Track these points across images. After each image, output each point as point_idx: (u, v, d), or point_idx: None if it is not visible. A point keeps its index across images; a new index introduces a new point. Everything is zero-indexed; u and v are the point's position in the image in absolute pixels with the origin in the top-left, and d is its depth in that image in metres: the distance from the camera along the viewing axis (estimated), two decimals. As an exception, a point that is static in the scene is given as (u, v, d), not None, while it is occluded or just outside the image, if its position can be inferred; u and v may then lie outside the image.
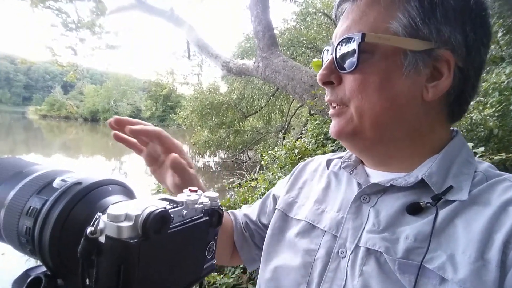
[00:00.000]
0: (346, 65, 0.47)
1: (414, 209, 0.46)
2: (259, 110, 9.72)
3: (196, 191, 0.33)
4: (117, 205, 0.25)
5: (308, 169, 0.69)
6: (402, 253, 0.43)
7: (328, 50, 0.53)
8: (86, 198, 0.29)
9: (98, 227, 0.24)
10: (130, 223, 0.24)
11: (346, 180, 0.58)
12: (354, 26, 0.48)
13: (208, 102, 9.54)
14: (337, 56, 0.48)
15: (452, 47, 0.46)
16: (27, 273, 0.27)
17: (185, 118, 10.71)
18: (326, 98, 0.53)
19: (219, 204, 0.34)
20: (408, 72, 0.46)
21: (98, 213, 0.25)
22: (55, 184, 0.30)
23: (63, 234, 0.27)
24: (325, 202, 0.58)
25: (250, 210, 0.75)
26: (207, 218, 0.32)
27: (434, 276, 0.41)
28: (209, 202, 0.32)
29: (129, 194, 0.35)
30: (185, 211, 0.29)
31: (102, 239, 0.24)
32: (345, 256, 0.48)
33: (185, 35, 4.42)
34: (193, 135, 11.05)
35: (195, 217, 0.30)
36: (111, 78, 42.75)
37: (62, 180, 0.30)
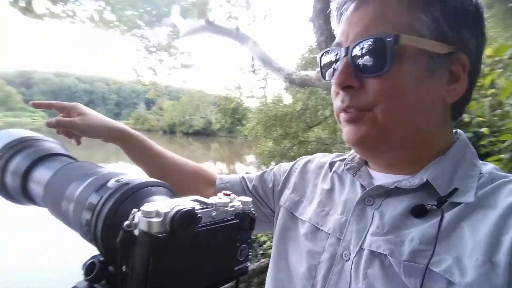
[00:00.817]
0: (370, 67, 0.45)
1: (419, 212, 0.45)
2: (324, 121, 9.50)
3: (229, 194, 0.33)
4: (151, 203, 0.27)
5: (310, 169, 0.68)
6: (407, 255, 0.42)
7: (333, 51, 0.51)
8: (132, 197, 0.33)
9: (134, 221, 0.27)
10: (160, 219, 0.26)
11: (349, 182, 0.57)
12: (373, 26, 0.45)
13: (272, 113, 9.71)
14: (357, 58, 0.45)
15: (469, 52, 0.46)
16: (93, 258, 0.31)
17: (250, 130, 11.04)
18: (343, 104, 0.49)
19: (252, 208, 0.34)
20: (433, 76, 0.45)
21: (134, 209, 0.27)
22: (110, 184, 0.34)
23: (111, 227, 0.29)
24: (329, 204, 0.57)
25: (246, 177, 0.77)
26: (238, 221, 0.32)
27: (441, 280, 0.40)
28: (241, 206, 0.33)
29: (170, 194, 0.37)
30: (215, 213, 0.30)
31: (136, 232, 0.26)
32: (349, 259, 0.48)
33: (250, 51, 4.63)
34: (258, 145, 11.31)
35: (225, 219, 0.31)
36: (186, 94, 46.77)
37: (116, 180, 0.34)
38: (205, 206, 0.30)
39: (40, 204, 0.43)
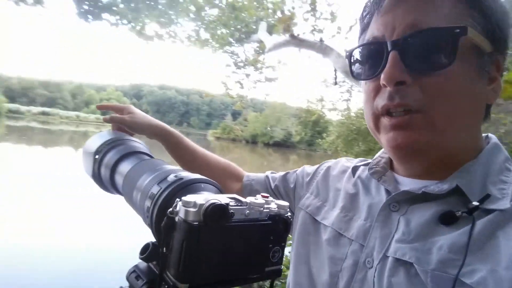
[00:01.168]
0: (429, 62, 0.41)
1: (448, 219, 0.42)
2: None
3: (267, 197, 0.35)
4: (192, 195, 0.30)
5: (333, 173, 0.66)
6: (435, 264, 0.39)
7: (373, 45, 0.46)
8: (184, 190, 0.37)
9: (175, 209, 0.30)
10: (195, 209, 0.29)
11: (374, 187, 0.55)
12: (426, 18, 0.41)
13: (355, 127, 9.24)
14: (411, 52, 0.41)
15: (504, 52, 0.44)
16: (149, 241, 0.35)
17: (330, 143, 10.72)
18: (391, 102, 0.43)
19: (288, 213, 0.35)
20: (481, 75, 0.41)
21: (177, 199, 0.31)
22: (169, 178, 0.39)
23: (163, 214, 0.32)
24: (353, 209, 0.55)
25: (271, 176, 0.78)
26: (271, 222, 0.33)
27: None
28: (277, 209, 0.34)
29: (216, 191, 0.41)
30: (248, 211, 0.32)
31: (176, 219, 0.30)
32: (372, 267, 0.45)
33: (333, 63, 4.55)
34: (338, 160, 10.87)
35: (258, 219, 0.33)
36: (269, 106, 48.50)
37: (174, 175, 0.39)
38: (239, 204, 0.32)
39: (121, 193, 0.50)
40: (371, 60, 0.47)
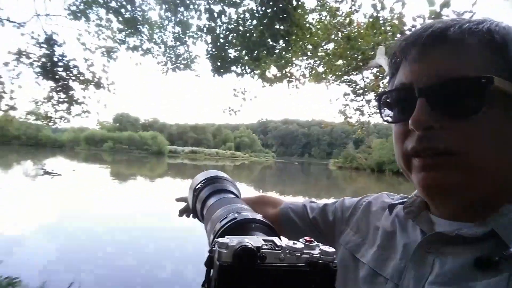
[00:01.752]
0: (457, 109, 0.42)
1: (484, 264, 0.40)
2: None
3: (311, 241, 0.34)
4: (229, 237, 0.32)
5: (373, 209, 0.65)
6: None
7: (402, 91, 0.48)
8: (234, 230, 0.41)
9: (213, 248, 0.32)
10: (227, 251, 0.31)
11: (410, 227, 0.54)
12: (451, 68, 0.42)
13: None
14: (439, 98, 0.43)
15: None
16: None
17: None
18: (419, 145, 0.44)
19: (333, 260, 0.33)
20: (510, 117, 0.40)
21: (215, 239, 0.33)
22: (228, 216, 0.44)
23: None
24: (390, 248, 0.54)
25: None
26: (309, 269, 0.32)
27: None
28: (319, 255, 0.32)
29: (266, 231, 0.42)
30: (283, 256, 0.32)
31: (214, 258, 0.32)
32: None
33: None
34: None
35: (294, 264, 0.32)
36: (396, 131, 43.98)
37: (233, 214, 0.44)
38: (274, 248, 0.32)
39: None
40: (400, 105, 0.49)
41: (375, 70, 7.39)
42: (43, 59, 5.09)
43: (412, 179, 0.49)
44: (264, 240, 0.34)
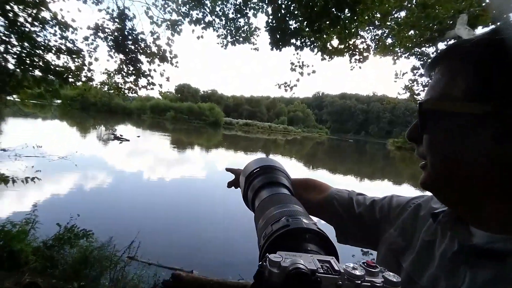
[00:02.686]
0: (428, 126, 0.50)
1: None
2: None
3: (374, 266, 0.31)
4: (282, 254, 0.31)
5: (420, 214, 0.64)
6: None
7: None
8: (286, 236, 0.39)
9: (265, 264, 0.30)
10: (278, 272, 0.29)
11: (450, 236, 0.53)
12: (439, 91, 0.49)
13: None
14: (424, 116, 0.50)
15: None
16: None
17: None
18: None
19: None
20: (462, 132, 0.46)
21: (267, 255, 0.31)
22: (281, 221, 0.42)
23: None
24: (428, 256, 0.55)
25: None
26: None
27: None
28: (381, 284, 0.30)
29: (321, 244, 0.39)
30: (340, 282, 0.29)
31: (266, 272, 0.30)
32: None
33: None
34: None
35: None
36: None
37: (286, 219, 0.42)
38: (331, 272, 0.30)
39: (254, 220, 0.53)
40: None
41: (452, 41, 6.53)
42: (116, 33, 5.48)
43: None
44: (320, 261, 0.31)
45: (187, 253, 5.67)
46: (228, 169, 1.01)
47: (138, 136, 26.54)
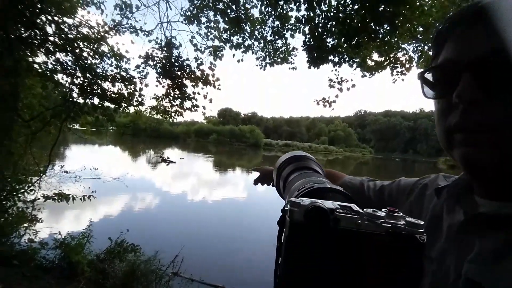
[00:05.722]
0: (501, 83, 0.41)
1: None
2: None
3: (395, 211, 0.31)
4: (302, 198, 0.32)
5: (427, 193, 0.64)
6: None
7: (446, 67, 0.48)
8: (310, 194, 0.41)
9: (286, 208, 0.32)
10: (298, 210, 0.30)
11: (456, 209, 0.53)
12: (499, 41, 0.39)
13: None
14: (485, 73, 0.42)
15: None
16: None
17: None
18: (463, 120, 0.44)
19: (421, 233, 0.30)
20: None
21: (289, 199, 0.33)
22: (306, 186, 0.44)
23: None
24: (436, 231, 0.55)
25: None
26: (389, 239, 0.29)
27: None
28: (403, 226, 0.30)
29: (344, 200, 0.40)
30: (359, 221, 0.30)
31: (286, 217, 0.32)
32: (447, 286, 0.46)
33: None
34: None
35: (372, 232, 0.30)
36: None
37: (311, 184, 0.44)
38: (349, 212, 0.31)
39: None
40: (444, 80, 0.48)
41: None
42: (164, 61, 5.96)
43: (454, 156, 0.48)
44: (340, 205, 0.32)
45: (228, 269, 5.69)
46: (254, 169, 1.11)
47: (181, 158, 27.81)
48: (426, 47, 6.73)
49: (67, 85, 5.54)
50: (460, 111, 0.44)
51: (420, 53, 6.20)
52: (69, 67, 5.57)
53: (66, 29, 5.37)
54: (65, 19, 5.33)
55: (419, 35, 6.18)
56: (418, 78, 0.54)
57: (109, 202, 9.60)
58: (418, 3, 4.23)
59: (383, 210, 0.32)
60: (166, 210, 10.01)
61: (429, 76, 0.52)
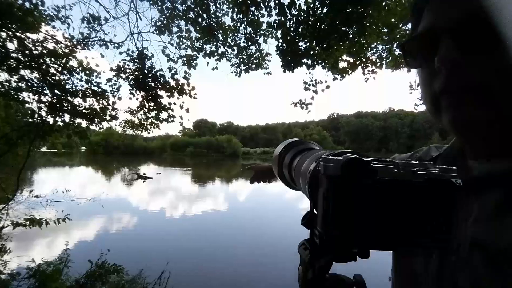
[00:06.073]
0: (480, 45, 0.42)
1: None
2: None
3: (427, 161, 0.33)
4: (335, 155, 0.32)
5: None
6: (508, 245, 0.39)
7: (429, 32, 0.48)
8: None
9: (317, 167, 0.33)
10: (333, 164, 0.30)
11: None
12: (478, 5, 0.40)
13: None
14: (465, 36, 0.43)
15: None
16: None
17: None
18: (447, 83, 0.45)
19: (455, 177, 0.30)
20: None
21: (323, 156, 0.33)
22: (324, 155, 0.41)
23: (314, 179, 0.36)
24: None
25: None
26: (427, 185, 0.30)
27: None
28: (438, 172, 0.30)
29: None
30: (396, 170, 0.30)
31: (319, 176, 0.32)
32: (451, 251, 0.47)
33: None
34: None
35: (410, 180, 0.30)
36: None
37: (330, 152, 0.43)
38: (385, 163, 0.31)
39: (297, 186, 0.53)
40: (425, 48, 0.48)
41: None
42: (136, 73, 5.82)
43: (442, 121, 0.48)
44: (372, 159, 0.31)
45: (217, 281, 5.54)
46: (248, 167, 1.13)
47: (159, 173, 27.13)
48: (392, 48, 7.04)
49: (35, 103, 5.27)
50: (444, 75, 0.45)
51: (388, 52, 6.49)
52: (35, 85, 5.31)
53: (30, 45, 5.13)
54: (28, 34, 5.10)
55: (384, 36, 6.48)
56: (400, 50, 0.56)
57: (86, 224, 9.11)
58: (383, 3, 4.43)
59: (414, 161, 0.33)
60: (147, 227, 9.65)
61: (410, 46, 0.53)
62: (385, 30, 6.09)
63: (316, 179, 0.32)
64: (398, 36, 6.61)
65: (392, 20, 5.37)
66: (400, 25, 6.55)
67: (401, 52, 0.56)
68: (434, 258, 0.50)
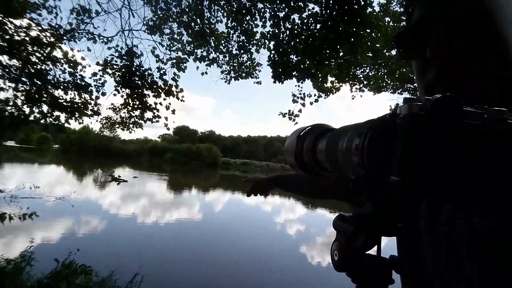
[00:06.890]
0: (470, 38, 0.45)
1: None
2: None
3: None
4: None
5: None
6: None
7: (420, 24, 0.50)
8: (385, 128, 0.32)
9: (396, 112, 0.28)
10: (421, 103, 0.26)
11: None
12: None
13: None
14: (456, 28, 0.45)
15: None
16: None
17: None
18: (440, 74, 0.46)
19: None
20: None
21: (397, 103, 0.35)
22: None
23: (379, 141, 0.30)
24: None
25: None
26: None
27: None
28: None
29: None
30: (486, 115, 0.28)
31: (397, 120, 0.27)
32: (456, 238, 0.45)
33: None
34: None
35: (501, 128, 0.28)
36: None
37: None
38: (474, 107, 0.29)
39: (328, 168, 0.44)
40: (418, 40, 0.49)
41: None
42: (124, 70, 5.70)
43: None
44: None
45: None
46: (245, 180, 1.16)
47: (135, 177, 26.34)
48: (376, 73, 7.29)
49: (11, 91, 5.01)
50: (437, 65, 0.45)
51: (372, 78, 6.68)
52: (12, 72, 5.07)
53: (12, 31, 4.92)
54: (11, 19, 4.90)
55: (368, 60, 6.72)
56: (393, 42, 0.56)
57: (54, 223, 8.62)
58: (376, 23, 4.60)
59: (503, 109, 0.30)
60: (120, 230, 9.26)
61: (403, 38, 0.53)
62: (370, 55, 6.34)
63: (393, 125, 0.27)
64: (380, 61, 6.88)
65: (377, 45, 5.61)
66: (385, 50, 6.84)
67: (394, 48, 0.56)
68: (443, 247, 0.47)
